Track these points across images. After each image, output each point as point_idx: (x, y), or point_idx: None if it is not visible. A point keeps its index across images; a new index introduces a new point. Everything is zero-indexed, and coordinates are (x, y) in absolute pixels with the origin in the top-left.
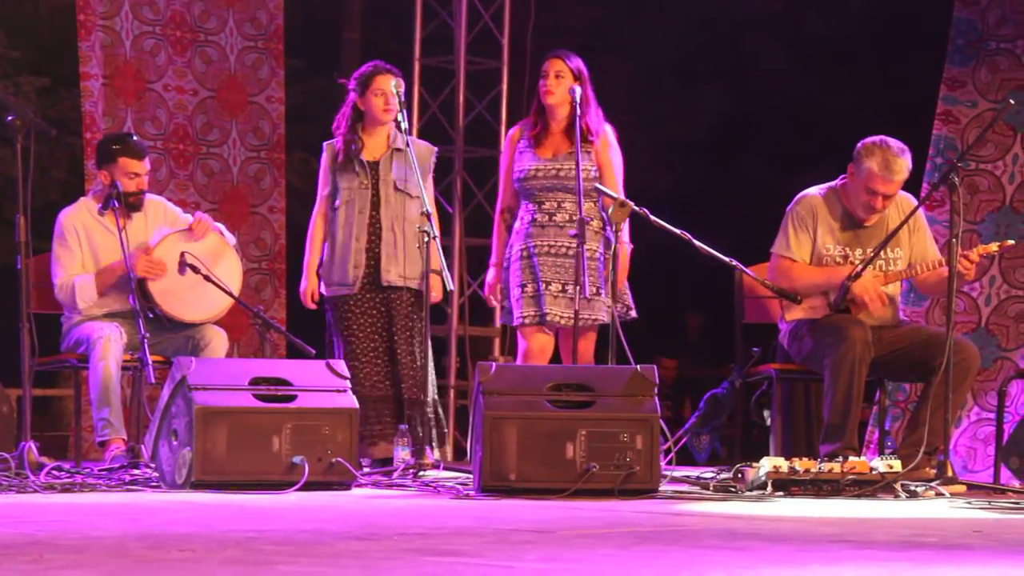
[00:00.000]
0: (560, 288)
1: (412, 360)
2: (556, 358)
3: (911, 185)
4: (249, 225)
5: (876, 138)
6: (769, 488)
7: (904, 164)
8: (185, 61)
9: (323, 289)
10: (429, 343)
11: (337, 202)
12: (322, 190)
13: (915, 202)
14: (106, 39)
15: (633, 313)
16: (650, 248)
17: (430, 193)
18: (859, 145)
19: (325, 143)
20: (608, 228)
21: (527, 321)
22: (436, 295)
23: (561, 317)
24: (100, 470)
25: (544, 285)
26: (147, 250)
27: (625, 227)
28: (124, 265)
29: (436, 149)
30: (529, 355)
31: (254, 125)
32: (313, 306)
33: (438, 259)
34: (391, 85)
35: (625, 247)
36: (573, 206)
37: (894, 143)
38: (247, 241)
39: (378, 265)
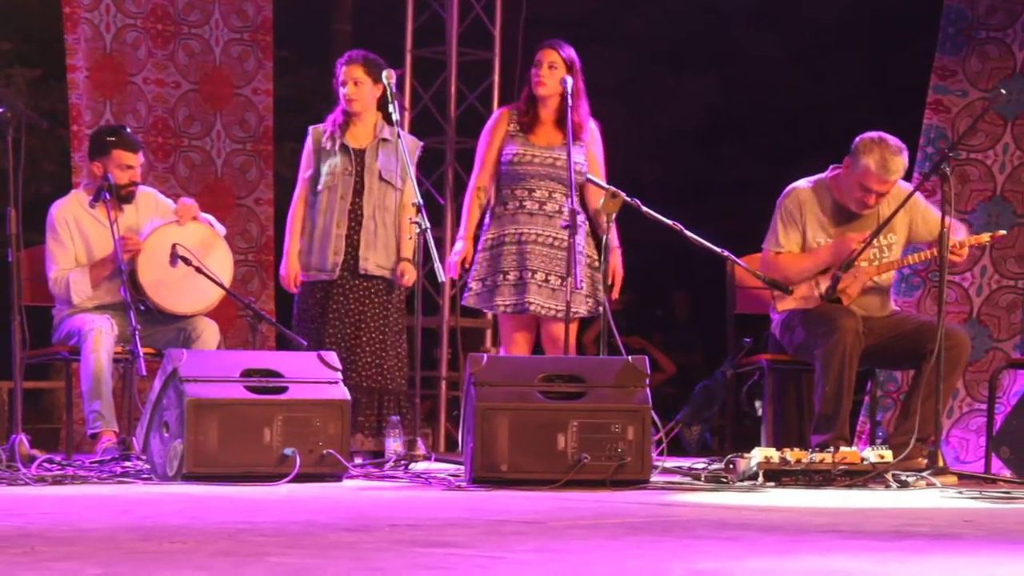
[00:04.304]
0: (544, 278)
1: (379, 349)
2: (538, 348)
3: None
4: (234, 217)
5: (874, 134)
6: (760, 478)
7: (901, 163)
8: (167, 54)
9: (300, 274)
10: (404, 332)
11: (319, 187)
12: (303, 173)
13: (905, 187)
14: (90, 32)
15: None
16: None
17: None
18: (857, 140)
19: (311, 127)
20: (585, 224)
21: (508, 309)
22: (411, 277)
23: (542, 307)
24: (91, 462)
25: (530, 274)
26: (127, 236)
27: (613, 229)
28: (116, 258)
29: (422, 144)
30: (512, 342)
31: (240, 117)
32: (295, 290)
33: (411, 248)
34: (359, 74)
35: (616, 251)
36: (563, 197)
37: (892, 141)
38: (233, 233)
39: (356, 253)
